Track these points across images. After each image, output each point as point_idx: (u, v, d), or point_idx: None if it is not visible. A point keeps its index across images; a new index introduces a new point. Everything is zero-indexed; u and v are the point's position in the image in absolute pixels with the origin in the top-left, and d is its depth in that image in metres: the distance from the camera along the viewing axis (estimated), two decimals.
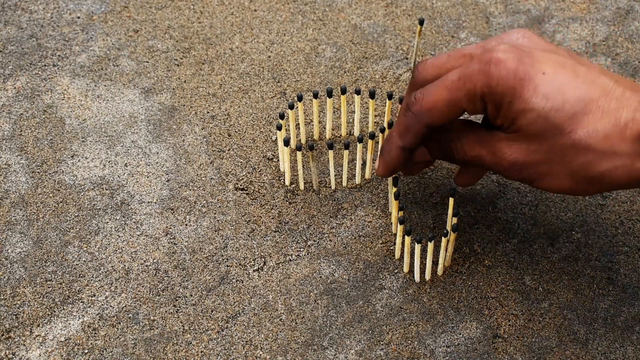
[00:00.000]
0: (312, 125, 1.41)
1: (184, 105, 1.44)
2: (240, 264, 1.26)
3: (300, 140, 1.39)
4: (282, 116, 1.30)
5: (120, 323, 1.20)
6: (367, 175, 1.35)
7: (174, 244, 1.28)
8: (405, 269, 1.26)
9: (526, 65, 1.08)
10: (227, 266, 1.26)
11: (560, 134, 1.07)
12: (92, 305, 1.22)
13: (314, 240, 1.29)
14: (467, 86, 1.10)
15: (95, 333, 1.19)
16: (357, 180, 1.35)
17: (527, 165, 1.10)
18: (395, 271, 1.26)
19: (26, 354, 1.17)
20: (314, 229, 1.30)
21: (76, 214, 1.30)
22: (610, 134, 1.05)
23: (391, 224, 1.30)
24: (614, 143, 1.05)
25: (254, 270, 1.26)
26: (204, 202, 1.32)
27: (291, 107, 1.32)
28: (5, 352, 1.17)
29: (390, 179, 1.26)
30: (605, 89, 1.07)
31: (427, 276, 1.25)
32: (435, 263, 1.26)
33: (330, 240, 1.29)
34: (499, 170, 1.13)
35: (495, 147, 1.12)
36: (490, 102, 1.09)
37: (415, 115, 1.15)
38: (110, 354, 1.18)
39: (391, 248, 1.28)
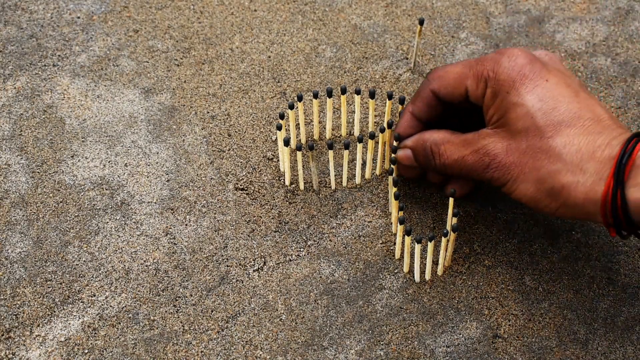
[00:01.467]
0: (312, 125, 1.41)
1: (184, 105, 1.44)
2: (240, 264, 1.26)
3: (300, 140, 1.39)
4: (282, 116, 1.30)
5: (120, 323, 1.20)
6: (367, 175, 1.35)
7: (174, 244, 1.28)
8: (405, 269, 1.26)
9: (534, 67, 1.15)
10: (227, 266, 1.26)
11: (539, 136, 1.11)
12: (92, 305, 1.22)
13: (314, 240, 1.29)
14: (478, 67, 1.18)
15: (95, 333, 1.19)
16: (357, 180, 1.35)
17: (503, 164, 1.14)
18: (395, 271, 1.26)
19: (26, 354, 1.17)
20: (314, 229, 1.30)
21: (76, 214, 1.30)
22: (582, 149, 1.09)
23: (391, 224, 1.30)
24: (583, 159, 1.09)
25: (254, 270, 1.26)
26: (204, 202, 1.32)
27: (291, 107, 1.32)
28: (5, 352, 1.17)
29: (390, 179, 1.26)
30: (597, 116, 1.12)
31: (427, 276, 1.25)
32: (435, 263, 1.26)
33: (330, 240, 1.29)
34: (479, 169, 1.17)
35: (480, 144, 1.16)
36: (491, 87, 1.16)
37: (427, 80, 1.25)
38: (110, 354, 1.18)
39: (391, 248, 1.28)
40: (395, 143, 1.28)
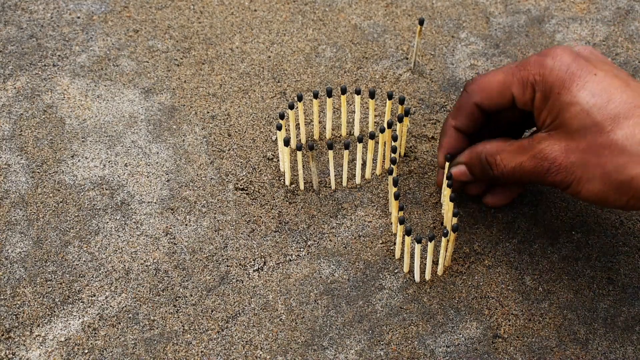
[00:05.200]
0: (312, 125, 1.41)
1: (184, 105, 1.44)
2: (240, 264, 1.26)
3: (300, 140, 1.39)
4: (282, 116, 1.30)
5: (120, 323, 1.20)
6: (367, 175, 1.35)
7: (174, 244, 1.28)
8: (405, 269, 1.26)
9: (580, 64, 1.13)
10: (227, 266, 1.26)
11: (599, 132, 1.10)
12: (92, 305, 1.22)
13: (314, 240, 1.29)
14: (522, 72, 1.17)
15: (95, 333, 1.19)
16: (357, 180, 1.35)
17: (564, 166, 1.12)
18: (395, 271, 1.26)
19: (26, 354, 1.17)
20: (314, 229, 1.30)
21: (76, 214, 1.30)
22: None
23: (391, 224, 1.30)
24: None
25: (254, 270, 1.26)
26: (204, 202, 1.32)
27: (291, 107, 1.32)
28: (5, 352, 1.17)
29: (390, 179, 1.26)
30: None
31: (427, 276, 1.25)
32: (435, 263, 1.26)
33: (330, 240, 1.29)
34: (539, 174, 1.15)
35: (536, 149, 1.15)
36: (540, 90, 1.15)
37: (468, 93, 1.23)
38: (110, 354, 1.18)
39: (391, 248, 1.28)
40: (445, 163, 1.27)
